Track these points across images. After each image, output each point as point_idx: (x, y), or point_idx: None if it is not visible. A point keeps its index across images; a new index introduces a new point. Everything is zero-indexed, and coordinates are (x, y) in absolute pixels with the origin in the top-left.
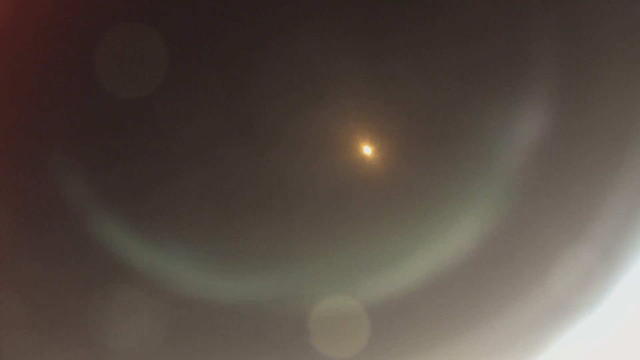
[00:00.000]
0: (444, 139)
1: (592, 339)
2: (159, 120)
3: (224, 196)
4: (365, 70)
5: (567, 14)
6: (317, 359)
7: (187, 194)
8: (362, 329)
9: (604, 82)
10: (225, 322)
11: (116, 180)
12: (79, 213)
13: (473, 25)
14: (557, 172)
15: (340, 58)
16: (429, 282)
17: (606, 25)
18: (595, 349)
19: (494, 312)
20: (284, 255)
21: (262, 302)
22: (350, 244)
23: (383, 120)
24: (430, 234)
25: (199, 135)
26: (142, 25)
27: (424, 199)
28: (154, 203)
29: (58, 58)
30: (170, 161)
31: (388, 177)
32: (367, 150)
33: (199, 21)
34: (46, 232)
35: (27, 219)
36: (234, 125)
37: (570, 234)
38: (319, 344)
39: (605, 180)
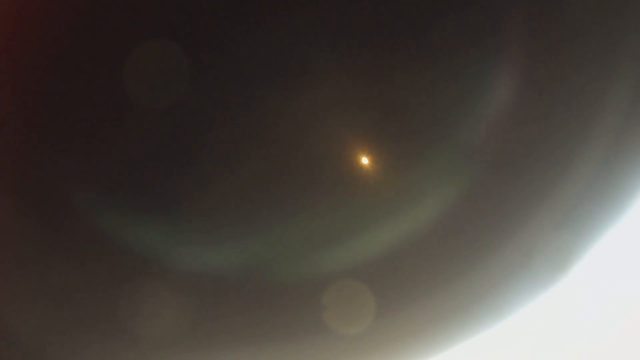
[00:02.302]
0: (418, 124)
1: (557, 305)
2: (172, 125)
3: (235, 188)
4: (350, 65)
5: None
6: (316, 320)
7: (198, 190)
8: (348, 290)
9: (569, 60)
10: (234, 292)
11: (132, 181)
12: (98, 216)
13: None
14: (520, 146)
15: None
16: (407, 245)
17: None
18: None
19: (460, 273)
20: (284, 232)
21: (264, 271)
22: (337, 218)
23: (362, 112)
24: (405, 204)
25: (217, 139)
26: (161, 40)
27: (398, 176)
28: (172, 201)
29: (89, 74)
30: (183, 161)
31: (367, 163)
32: (350, 146)
33: (221, 45)
34: (71, 236)
35: (55, 225)
36: (240, 125)
37: (531, 203)
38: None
39: (567, 151)
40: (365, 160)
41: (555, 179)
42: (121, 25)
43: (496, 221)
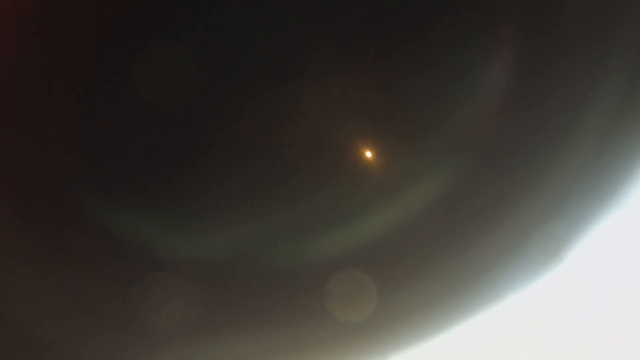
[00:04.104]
0: (412, 113)
1: (551, 291)
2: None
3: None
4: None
5: None
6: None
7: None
8: (347, 275)
9: (561, 52)
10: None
11: (134, 179)
12: (103, 213)
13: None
14: (514, 133)
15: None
16: (402, 230)
17: None
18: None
19: (453, 258)
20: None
21: (265, 258)
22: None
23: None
24: (400, 190)
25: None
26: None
27: (393, 163)
28: (174, 195)
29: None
30: (183, 158)
31: (363, 150)
32: (347, 134)
33: (226, 44)
34: (79, 234)
35: (64, 224)
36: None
37: (524, 189)
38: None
39: (559, 139)
40: (361, 148)
41: (547, 166)
42: (126, 26)
43: (490, 206)
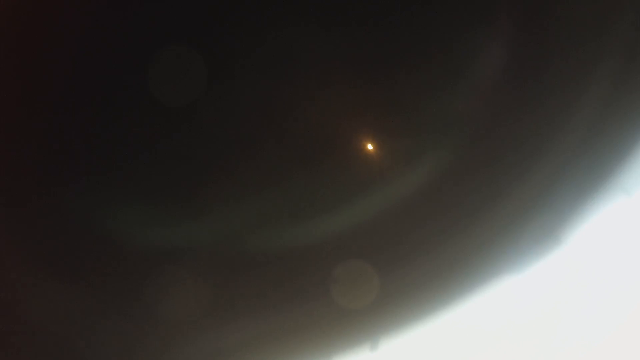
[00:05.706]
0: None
1: (548, 276)
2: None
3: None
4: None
5: None
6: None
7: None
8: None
9: (558, 34)
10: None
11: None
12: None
13: None
14: (508, 117)
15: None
16: (397, 211)
17: None
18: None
19: (447, 240)
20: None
21: (264, 240)
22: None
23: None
24: (395, 171)
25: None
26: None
27: (388, 143)
28: (174, 191)
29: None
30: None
31: (358, 132)
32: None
33: (239, 49)
34: (80, 234)
35: (71, 222)
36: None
37: (516, 174)
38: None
39: (552, 124)
40: (355, 133)
41: (542, 150)
42: (129, 27)
43: (484, 190)
